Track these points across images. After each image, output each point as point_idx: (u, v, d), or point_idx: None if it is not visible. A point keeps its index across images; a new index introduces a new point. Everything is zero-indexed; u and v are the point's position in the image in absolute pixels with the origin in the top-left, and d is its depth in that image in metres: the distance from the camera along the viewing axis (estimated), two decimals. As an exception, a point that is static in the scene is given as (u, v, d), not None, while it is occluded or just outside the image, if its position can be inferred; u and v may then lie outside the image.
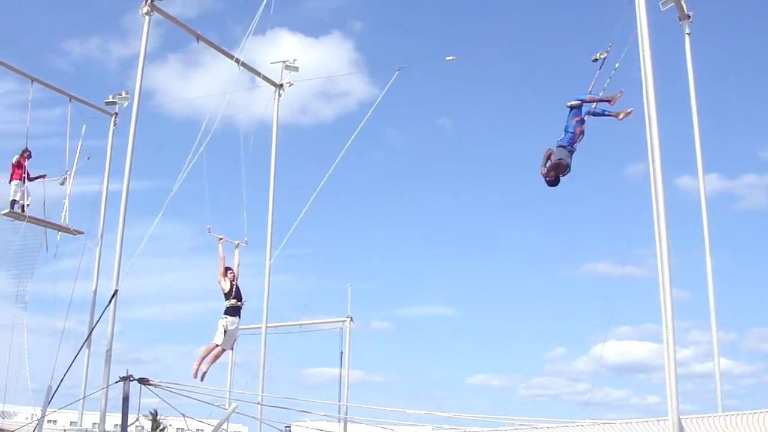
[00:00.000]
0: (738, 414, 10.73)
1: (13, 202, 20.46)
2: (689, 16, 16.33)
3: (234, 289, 15.19)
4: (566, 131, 11.93)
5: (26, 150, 21.06)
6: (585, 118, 12.08)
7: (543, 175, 11.92)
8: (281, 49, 23.40)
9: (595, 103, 12.08)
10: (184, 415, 13.69)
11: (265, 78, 20.67)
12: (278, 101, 20.61)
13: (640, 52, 10.98)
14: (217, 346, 14.77)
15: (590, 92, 12.12)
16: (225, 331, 14.85)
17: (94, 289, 20.79)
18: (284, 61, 20.71)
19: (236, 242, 16.30)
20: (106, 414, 14.53)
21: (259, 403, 15.60)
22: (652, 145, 10.65)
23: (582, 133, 12.01)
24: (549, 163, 11.89)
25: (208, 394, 13.58)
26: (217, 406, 13.80)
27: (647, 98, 10.80)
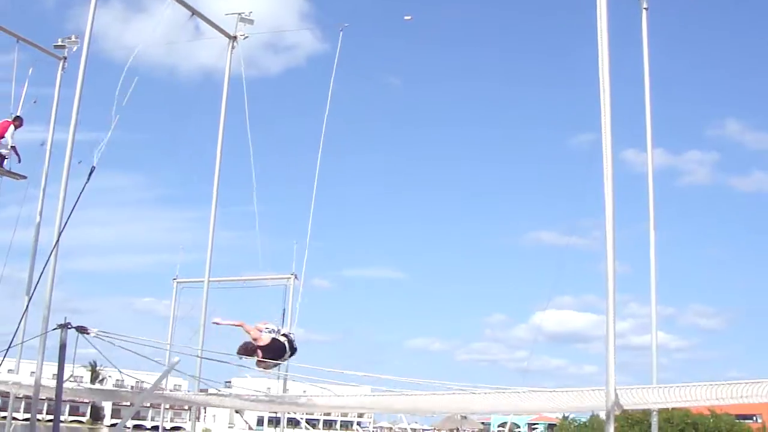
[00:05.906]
0: (671, 387, 10.92)
1: None
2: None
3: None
4: None
5: None
6: None
7: None
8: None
9: None
10: (117, 368, 13.53)
11: (219, 29, 20.16)
12: (231, 54, 20.17)
13: (597, 22, 10.94)
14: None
15: None
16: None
17: (34, 236, 20.39)
18: (240, 13, 20.22)
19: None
20: (44, 363, 14.26)
21: (198, 356, 15.49)
22: (604, 118, 10.64)
23: None
24: None
25: (148, 345, 13.36)
26: (156, 361, 13.60)
27: (602, 69, 10.78)
